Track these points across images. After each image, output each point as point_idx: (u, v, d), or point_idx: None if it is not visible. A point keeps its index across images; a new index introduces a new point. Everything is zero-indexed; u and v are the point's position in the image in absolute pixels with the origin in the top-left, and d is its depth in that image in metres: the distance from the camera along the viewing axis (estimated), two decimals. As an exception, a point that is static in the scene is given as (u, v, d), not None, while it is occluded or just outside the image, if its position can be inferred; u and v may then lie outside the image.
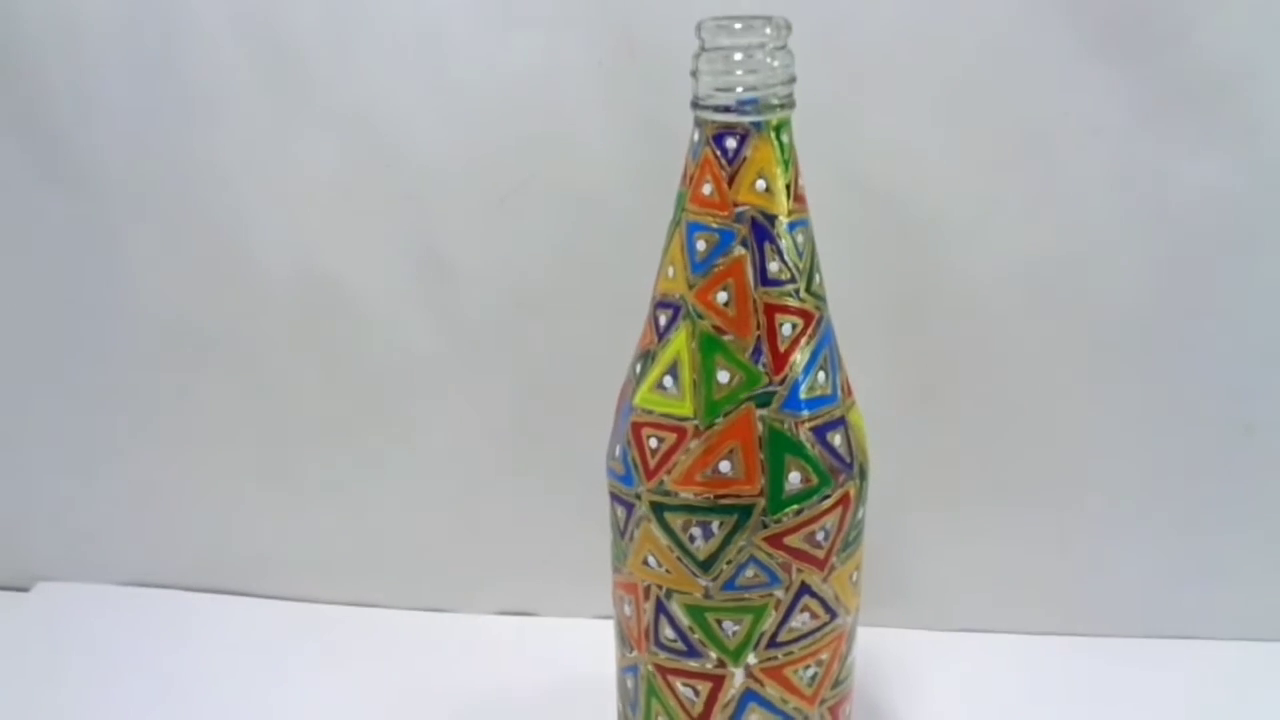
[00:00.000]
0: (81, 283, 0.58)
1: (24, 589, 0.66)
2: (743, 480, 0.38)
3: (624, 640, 0.44)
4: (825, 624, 0.41)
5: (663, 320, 0.39)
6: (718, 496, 0.38)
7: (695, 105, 0.37)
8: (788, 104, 0.37)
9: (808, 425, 0.38)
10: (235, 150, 0.54)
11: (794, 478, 0.38)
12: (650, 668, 0.42)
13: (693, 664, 0.41)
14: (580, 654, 0.58)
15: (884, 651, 0.58)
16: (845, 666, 0.43)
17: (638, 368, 0.40)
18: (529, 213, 0.53)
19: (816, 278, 0.39)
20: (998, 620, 0.59)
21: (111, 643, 0.62)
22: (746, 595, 0.39)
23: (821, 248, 0.40)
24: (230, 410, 0.61)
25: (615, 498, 0.41)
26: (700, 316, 0.37)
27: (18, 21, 0.53)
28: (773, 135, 0.36)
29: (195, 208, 0.56)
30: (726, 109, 0.36)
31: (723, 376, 0.37)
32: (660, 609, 0.40)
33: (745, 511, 0.38)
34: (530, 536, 0.61)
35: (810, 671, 0.41)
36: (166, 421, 0.62)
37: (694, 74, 0.37)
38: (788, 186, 0.37)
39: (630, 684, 0.44)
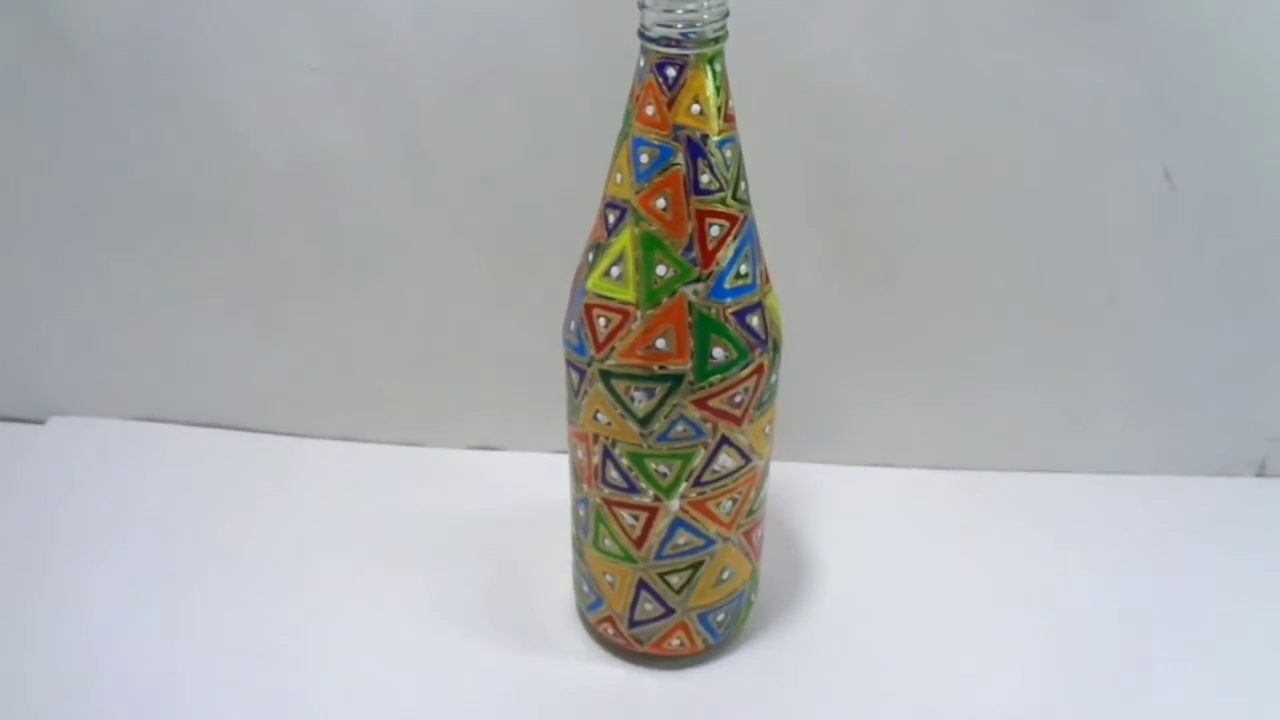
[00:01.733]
0: (80, 150, 0.63)
1: (39, 421, 0.73)
2: (675, 355, 0.46)
3: (577, 478, 0.53)
4: (742, 467, 0.50)
5: (611, 218, 0.46)
6: (655, 367, 0.46)
7: (641, 35, 0.43)
8: (721, 37, 0.42)
9: (730, 310, 0.46)
10: (224, 34, 0.58)
11: (717, 353, 0.46)
12: (598, 501, 0.51)
13: (633, 498, 0.50)
14: (540, 484, 0.65)
15: (796, 481, 0.67)
16: (758, 499, 0.53)
17: (590, 256, 0.47)
18: (496, 100, 0.58)
19: (742, 185, 0.45)
20: (897, 456, 0.69)
21: (121, 474, 0.68)
22: (677, 445, 0.48)
23: (754, 144, 0.46)
24: (224, 265, 0.66)
25: (570, 364, 0.49)
26: (642, 219, 0.44)
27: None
28: (707, 65, 0.42)
29: (185, 86, 0.59)
30: (668, 41, 0.42)
31: (661, 270, 0.45)
32: (607, 455, 0.49)
33: (677, 380, 0.46)
34: (495, 379, 0.68)
35: (729, 504, 0.51)
36: (167, 273, 0.67)
37: (641, 6, 0.42)
38: (719, 109, 0.43)
39: (582, 513, 0.53)
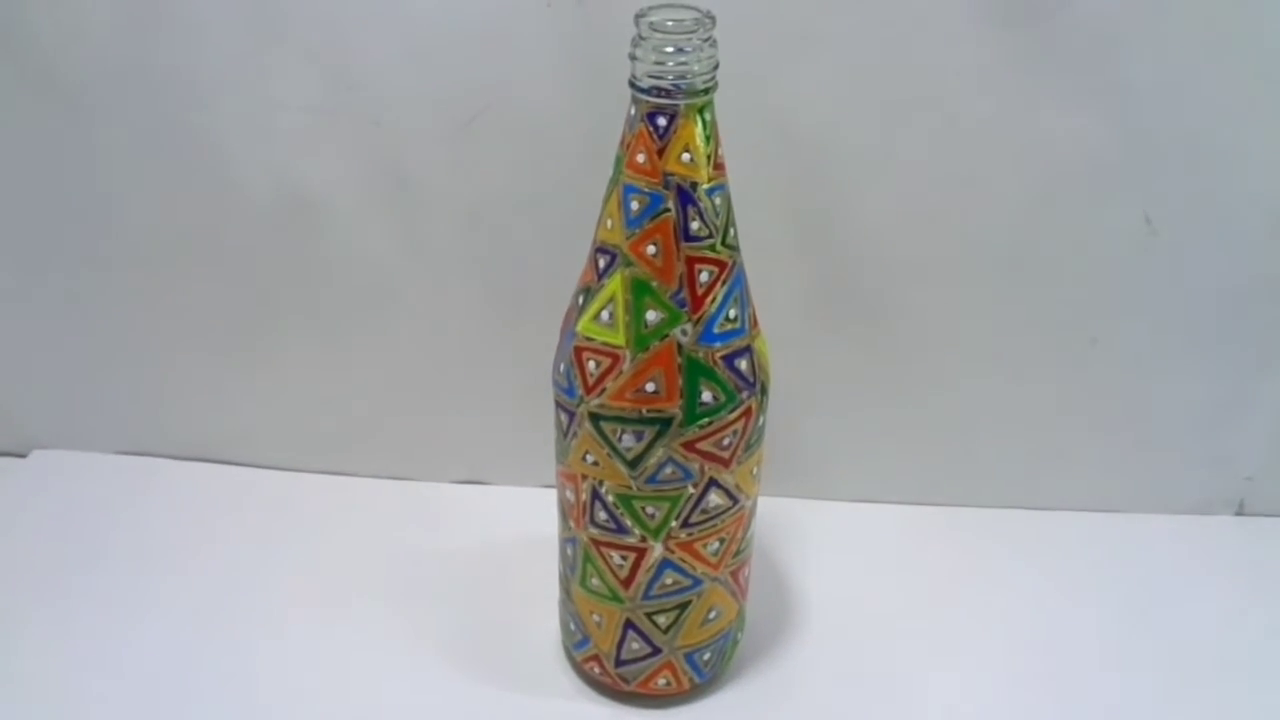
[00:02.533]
0: (68, 184, 0.63)
1: (21, 455, 0.73)
2: (664, 398, 0.46)
3: (565, 518, 0.53)
4: (729, 508, 0.50)
5: (602, 263, 0.46)
6: (644, 410, 0.46)
7: (632, 86, 0.43)
8: (711, 88, 0.43)
9: (719, 354, 0.46)
10: (212, 71, 0.58)
11: (706, 396, 0.46)
12: (586, 540, 0.51)
13: (621, 539, 0.50)
14: (528, 519, 0.66)
15: (782, 518, 0.68)
16: (745, 539, 0.53)
17: (580, 299, 0.48)
18: (486, 139, 0.59)
19: (731, 231, 0.46)
20: (881, 492, 0.69)
21: (103, 508, 0.68)
22: (665, 488, 0.48)
23: (741, 186, 0.46)
24: (213, 300, 0.66)
25: (559, 406, 0.50)
26: (632, 264, 0.45)
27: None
28: (697, 115, 0.43)
29: (173, 123, 0.60)
30: (659, 92, 0.43)
31: (651, 315, 0.45)
32: (595, 496, 0.49)
33: (666, 423, 0.46)
34: (484, 414, 0.68)
35: (715, 545, 0.51)
36: (156, 306, 0.67)
37: (632, 58, 0.43)
38: (709, 157, 0.44)
39: (570, 551, 0.53)
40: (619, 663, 0.54)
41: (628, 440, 0.47)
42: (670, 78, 0.42)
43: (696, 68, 0.42)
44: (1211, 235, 0.60)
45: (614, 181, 0.45)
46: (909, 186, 0.59)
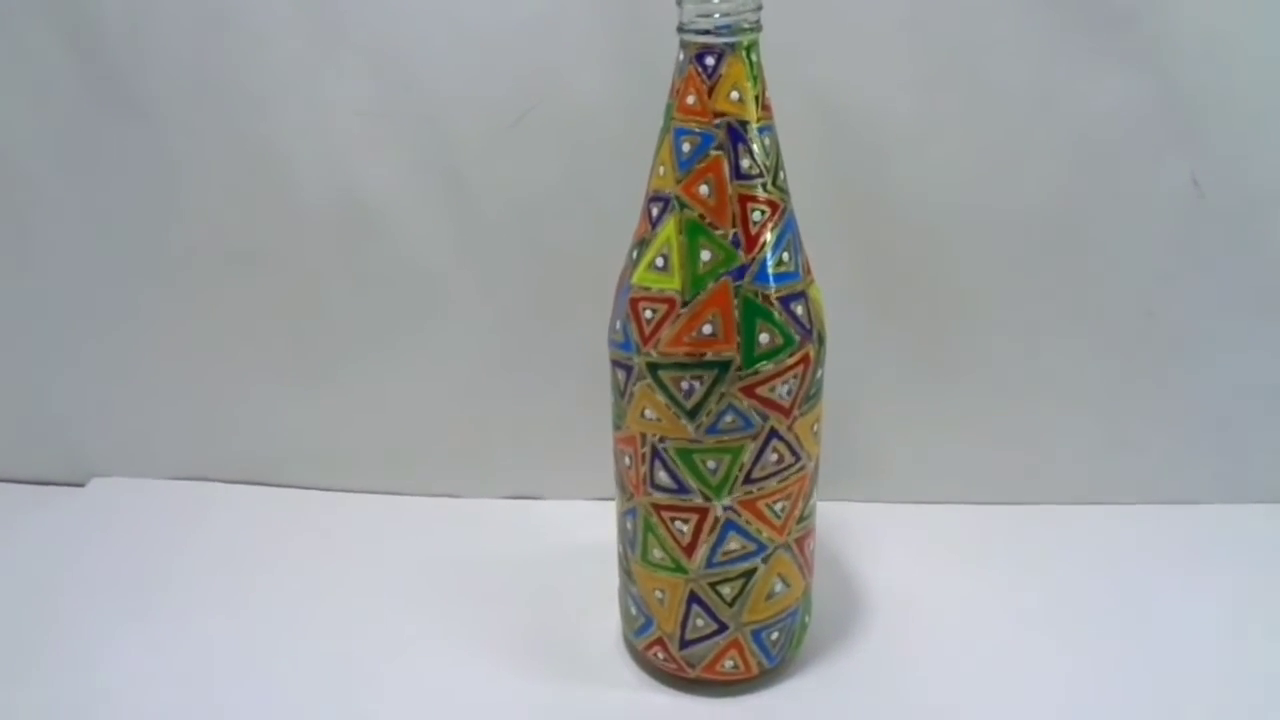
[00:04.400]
0: (135, 201, 0.65)
1: (80, 484, 0.73)
2: (722, 341, 0.46)
3: (623, 489, 0.52)
4: (791, 464, 0.49)
5: (655, 211, 0.47)
6: (702, 355, 0.46)
7: (680, 30, 0.45)
8: (756, 28, 0.44)
9: (775, 295, 0.46)
10: (276, 80, 0.61)
11: (763, 338, 0.46)
12: (646, 508, 0.50)
13: (682, 499, 0.49)
14: (581, 530, 0.66)
15: (846, 520, 0.67)
16: (808, 506, 0.52)
17: (634, 253, 0.48)
18: (536, 134, 0.61)
19: (781, 174, 0.47)
20: (942, 493, 0.67)
21: (163, 534, 0.68)
22: (726, 438, 0.47)
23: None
24: (268, 318, 0.67)
25: (616, 364, 0.49)
26: (686, 206, 0.45)
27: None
28: (744, 54, 0.44)
29: (239, 133, 0.62)
30: (706, 31, 0.44)
31: (705, 256, 0.45)
32: (655, 455, 0.49)
33: (724, 366, 0.46)
34: (536, 429, 0.68)
35: (779, 505, 0.50)
36: (210, 329, 0.68)
37: (679, 3, 0.44)
38: (757, 98, 0.45)
39: (630, 525, 0.52)
40: (684, 644, 0.52)
41: (687, 387, 0.46)
42: (716, 15, 0.43)
43: (741, 6, 0.44)
44: (1262, 196, 0.59)
45: (664, 130, 0.46)
46: (948, 161, 0.60)
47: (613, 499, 0.54)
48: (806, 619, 0.55)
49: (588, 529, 0.65)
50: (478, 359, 0.68)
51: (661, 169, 0.46)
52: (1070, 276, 0.62)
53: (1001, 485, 0.67)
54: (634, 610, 0.54)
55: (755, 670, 0.53)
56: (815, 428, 0.50)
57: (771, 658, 0.53)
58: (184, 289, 0.67)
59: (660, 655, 0.53)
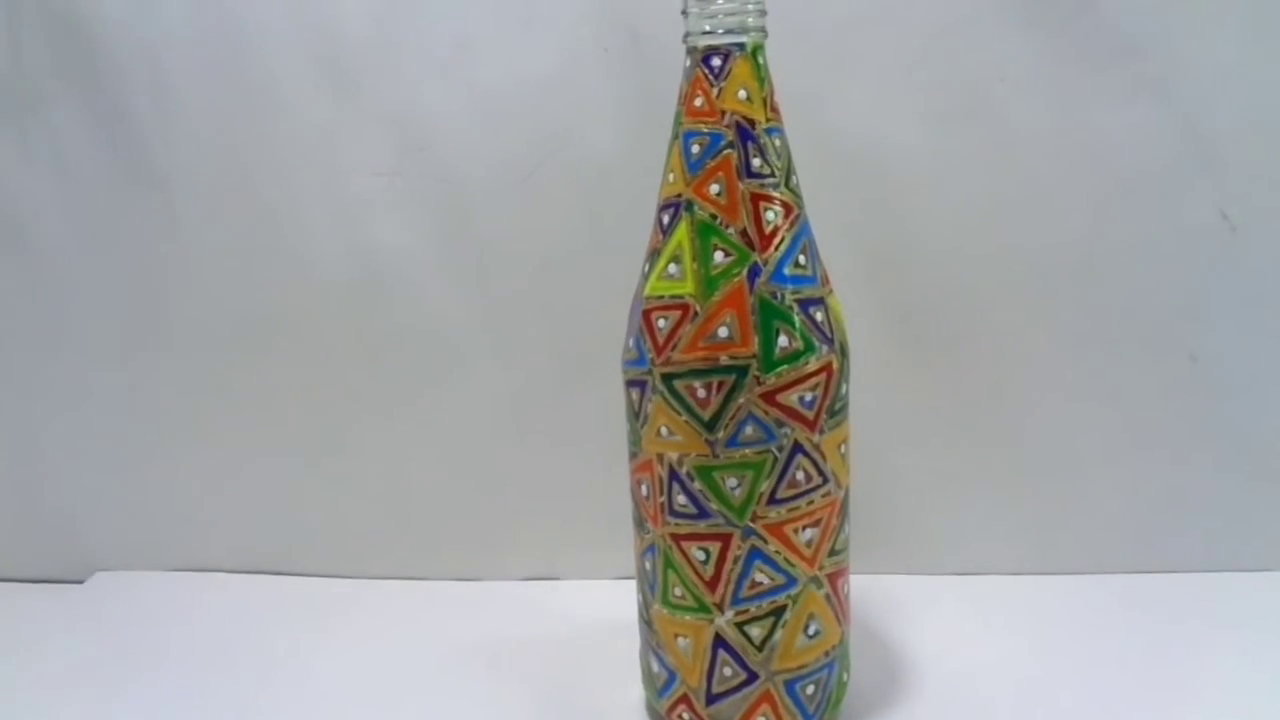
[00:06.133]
0: (148, 275, 0.65)
1: (79, 581, 0.70)
2: (738, 343, 0.44)
3: (641, 524, 0.49)
4: (819, 485, 0.46)
5: (666, 219, 0.46)
6: (717, 359, 0.44)
7: (686, 39, 0.45)
8: (761, 31, 0.45)
9: (793, 297, 0.44)
10: (292, 146, 0.62)
11: (782, 341, 0.44)
12: (666, 540, 0.47)
13: (703, 525, 0.46)
14: (602, 608, 0.62)
15: (885, 593, 0.62)
16: (841, 539, 0.48)
17: (646, 267, 0.47)
18: (548, 189, 0.61)
19: (794, 178, 0.46)
20: (984, 564, 0.64)
21: (166, 626, 0.65)
22: (747, 451, 0.45)
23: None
24: (276, 395, 0.66)
25: (630, 384, 0.47)
26: (696, 208, 0.44)
27: (103, 35, 0.61)
28: (751, 56, 0.44)
29: (255, 199, 0.63)
30: (711, 33, 0.44)
31: (718, 256, 0.44)
32: (673, 477, 0.46)
33: (742, 371, 0.44)
34: (552, 506, 0.66)
35: (808, 533, 0.46)
36: (217, 411, 0.67)
37: (684, 13, 0.45)
38: (765, 99, 0.45)
39: (649, 565, 0.49)
40: (710, 699, 0.48)
41: (703, 394, 0.44)
42: (721, 15, 0.44)
43: (745, 9, 0.44)
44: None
45: (673, 137, 0.46)
46: (968, 202, 0.59)
47: (634, 577, 0.51)
48: (845, 676, 0.50)
49: (609, 608, 0.61)
50: (492, 433, 0.66)
51: (671, 176, 0.46)
52: (1106, 322, 0.60)
53: (1045, 554, 0.63)
54: (655, 667, 0.50)
55: (791, 731, 0.48)
56: (843, 449, 0.47)
57: (808, 716, 0.48)
58: (192, 367, 0.67)
59: (685, 716, 0.49)
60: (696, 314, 0.44)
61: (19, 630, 0.65)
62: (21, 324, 0.67)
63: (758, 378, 0.44)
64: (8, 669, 0.61)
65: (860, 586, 0.55)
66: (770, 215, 0.44)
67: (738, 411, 0.44)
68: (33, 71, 0.63)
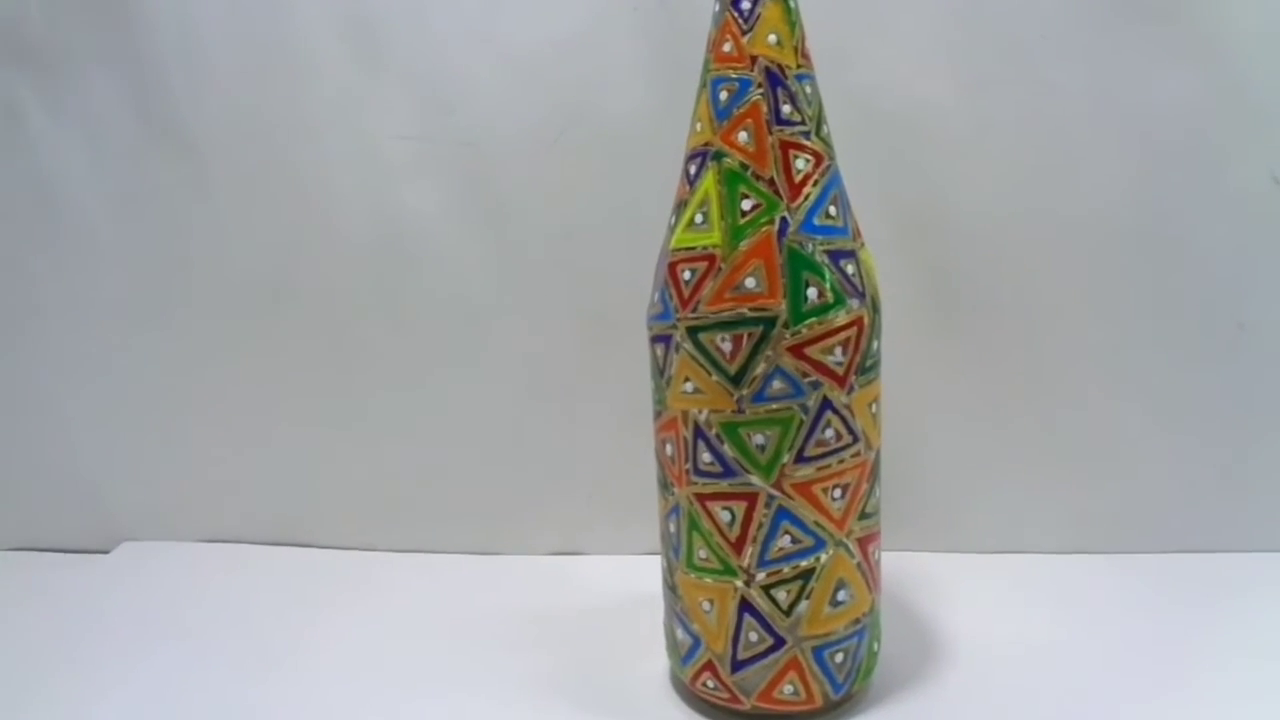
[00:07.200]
0: (175, 242, 0.65)
1: (105, 551, 0.70)
2: (766, 294, 0.43)
3: (665, 485, 0.48)
4: (849, 445, 0.45)
5: (693, 170, 0.45)
6: (745, 310, 0.43)
7: (716, -18, 0.44)
8: (795, -32, 0.43)
9: (823, 248, 0.43)
10: (320, 110, 0.61)
11: (811, 293, 0.43)
12: (690, 501, 0.46)
13: (727, 485, 0.44)
14: (626, 582, 0.61)
15: (920, 570, 0.61)
16: (872, 502, 0.47)
17: (672, 219, 0.46)
18: (575, 152, 0.60)
19: (824, 127, 0.44)
20: (1022, 542, 0.62)
21: (191, 596, 0.64)
22: (774, 407, 0.43)
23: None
24: (302, 364, 0.65)
25: (655, 339, 0.46)
26: (724, 156, 0.43)
27: (137, 4, 0.61)
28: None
29: (283, 164, 0.62)
30: (742, -23, 0.43)
31: (746, 205, 0.43)
32: (699, 435, 0.45)
33: (770, 323, 0.43)
34: (576, 483, 0.65)
35: (838, 493, 0.45)
36: (243, 379, 0.66)
37: (715, -44, 0.44)
38: (796, 46, 0.43)
39: (673, 528, 0.47)
40: (736, 665, 0.46)
41: (729, 348, 0.43)
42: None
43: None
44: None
45: (701, 85, 0.44)
46: (1007, 165, 0.57)
47: (658, 553, 0.50)
48: (876, 646, 0.49)
49: (633, 581, 0.61)
50: (515, 405, 0.65)
51: (698, 125, 0.44)
52: (1149, 290, 0.58)
53: (1085, 532, 0.62)
54: (679, 633, 0.49)
55: (819, 700, 0.47)
56: (874, 408, 0.46)
57: (837, 685, 0.47)
58: (218, 336, 0.66)
59: (710, 684, 0.47)
60: (723, 265, 0.43)
61: (46, 599, 0.65)
62: (49, 292, 0.67)
63: (785, 331, 0.43)
64: (34, 637, 0.60)
65: (893, 563, 0.54)
66: (800, 164, 0.43)
67: (765, 366, 0.43)
68: (65, 36, 0.63)
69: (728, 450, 0.44)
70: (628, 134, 0.59)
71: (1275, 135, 0.55)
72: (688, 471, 0.45)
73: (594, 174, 0.60)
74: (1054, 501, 0.61)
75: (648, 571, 0.55)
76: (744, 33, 0.43)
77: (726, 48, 0.43)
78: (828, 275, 0.43)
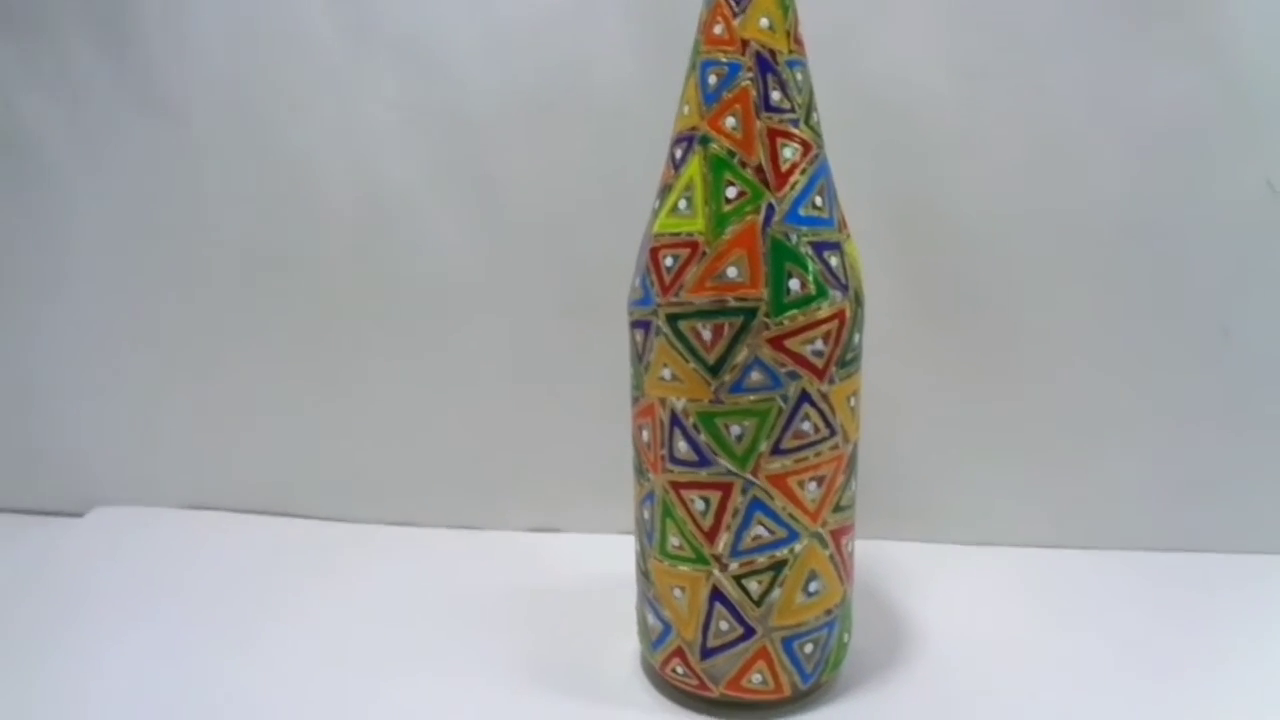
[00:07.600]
0: (157, 208, 0.64)
1: (79, 514, 0.69)
2: (748, 284, 0.42)
3: (641, 471, 0.47)
4: (826, 438, 0.44)
5: (679, 154, 0.44)
6: (726, 299, 0.42)
7: (709, -38, 0.43)
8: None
9: (807, 239, 0.43)
10: (304, 77, 0.60)
11: (794, 284, 0.42)
12: (665, 488, 0.45)
13: (703, 474, 0.44)
14: (603, 562, 0.61)
15: (892, 559, 0.61)
16: (847, 495, 0.47)
17: (656, 203, 0.45)
18: (562, 126, 0.59)
19: (814, 115, 0.44)
20: (997, 534, 0.62)
21: (164, 563, 0.64)
22: (752, 398, 0.43)
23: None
24: (283, 334, 0.65)
25: (635, 325, 0.46)
26: (710, 141, 0.43)
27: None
28: (775, -19, 0.42)
29: (267, 134, 0.61)
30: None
31: (730, 192, 0.42)
32: (675, 422, 0.44)
33: (750, 313, 0.42)
34: (556, 459, 0.65)
35: (813, 486, 0.45)
36: (223, 347, 0.66)
37: (708, -65, 0.43)
38: (788, 30, 0.43)
39: (647, 514, 0.47)
40: (705, 653, 0.46)
41: (708, 336, 0.42)
42: (745, -60, 0.42)
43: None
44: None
45: (690, 68, 0.44)
46: (1000, 159, 0.56)
47: (634, 533, 0.50)
48: (846, 637, 0.49)
49: (610, 562, 0.59)
50: (497, 379, 0.64)
51: (686, 108, 0.44)
52: (1135, 288, 0.57)
53: (1061, 527, 0.61)
54: (651, 619, 0.48)
55: (787, 690, 0.47)
56: (853, 402, 0.46)
57: (806, 675, 0.47)
58: (198, 302, 0.65)
59: (679, 670, 0.47)
60: (705, 253, 0.42)
61: (17, 562, 0.65)
62: (25, 255, 0.66)
63: (766, 321, 0.42)
64: (4, 601, 0.60)
65: (868, 552, 0.54)
66: (788, 153, 0.42)
67: (744, 356, 0.42)
68: (46, 2, 0.61)
69: (704, 440, 0.44)
70: (616, 110, 0.58)
71: (1273, 140, 0.54)
72: (663, 459, 0.45)
73: (582, 151, 0.59)
74: (1032, 496, 0.61)
75: (624, 551, 0.54)
76: (735, 15, 0.42)
77: (717, 30, 0.43)
78: (811, 267, 0.42)
